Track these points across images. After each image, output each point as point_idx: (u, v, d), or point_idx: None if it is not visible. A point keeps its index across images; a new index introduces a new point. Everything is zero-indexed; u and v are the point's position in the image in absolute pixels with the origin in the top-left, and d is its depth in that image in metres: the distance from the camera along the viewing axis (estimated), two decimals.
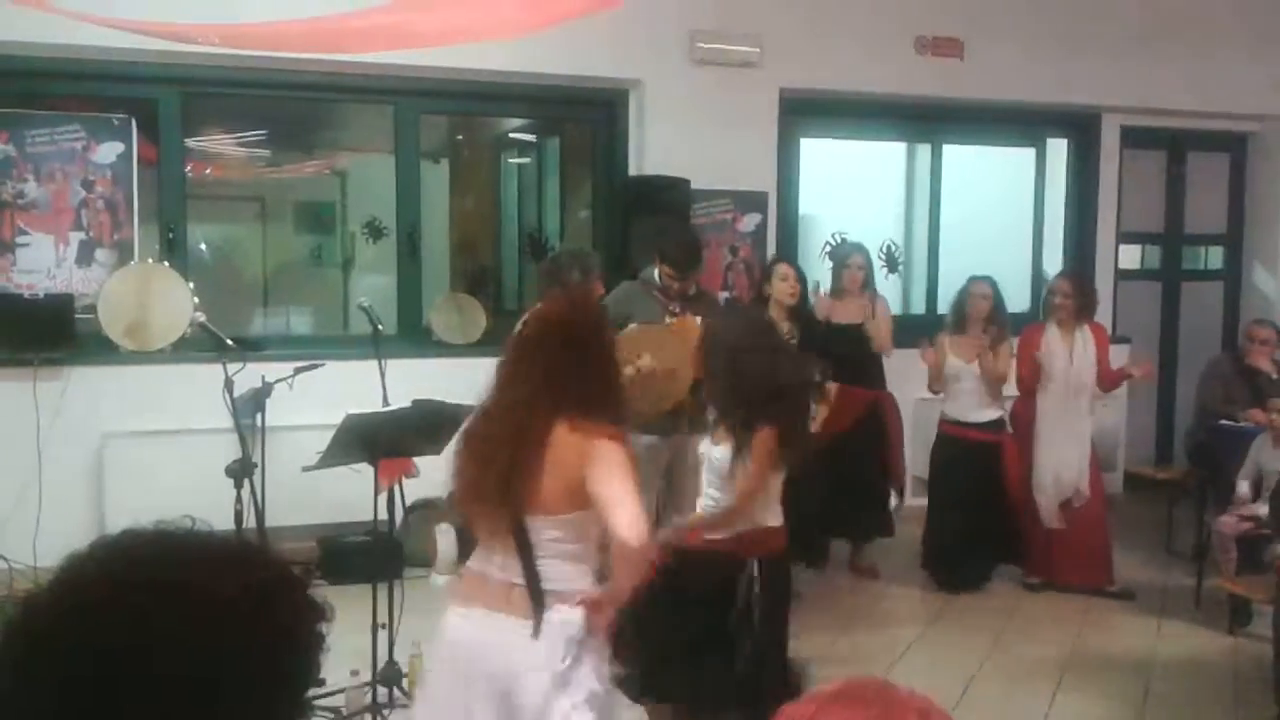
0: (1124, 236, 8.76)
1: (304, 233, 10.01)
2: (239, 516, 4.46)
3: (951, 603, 6.13)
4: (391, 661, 4.44)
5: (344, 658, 4.22)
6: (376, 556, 4.62)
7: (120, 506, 5.87)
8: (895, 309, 7.89)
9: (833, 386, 6.09)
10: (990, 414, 6.31)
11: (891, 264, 8.30)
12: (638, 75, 7.15)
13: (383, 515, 4.44)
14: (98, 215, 6.44)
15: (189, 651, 1.00)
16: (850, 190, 8.30)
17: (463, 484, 2.94)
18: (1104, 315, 7.24)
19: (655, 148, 7.13)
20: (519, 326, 3.11)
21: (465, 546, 6.39)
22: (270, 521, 4.91)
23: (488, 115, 8.57)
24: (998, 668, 5.24)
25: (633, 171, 7.25)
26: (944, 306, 7.29)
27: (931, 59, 7.73)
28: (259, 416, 5.41)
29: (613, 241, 7.06)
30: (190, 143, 7.34)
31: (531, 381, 2.86)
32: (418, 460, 4.54)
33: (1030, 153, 8.62)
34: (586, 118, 7.61)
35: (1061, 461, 6.21)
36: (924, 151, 8.38)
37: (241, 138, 9.13)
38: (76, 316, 6.23)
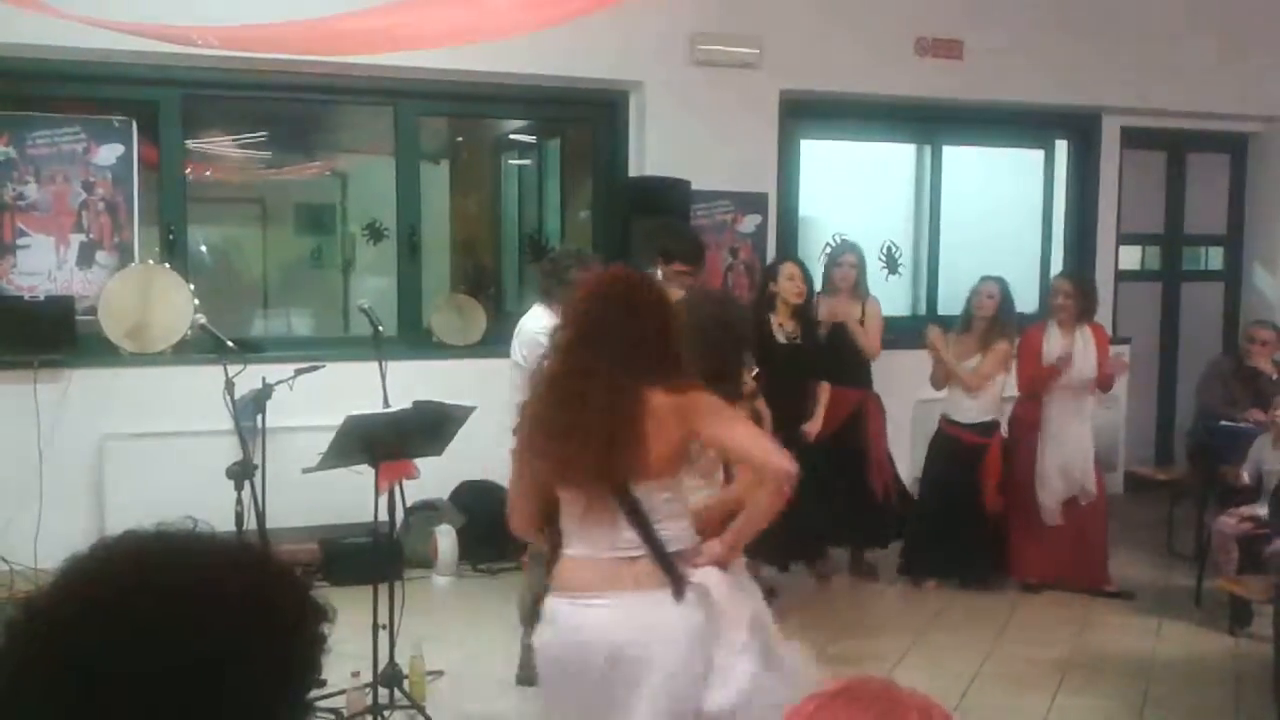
0: (1124, 237, 8.77)
1: (304, 234, 10.02)
2: (240, 518, 4.46)
3: (951, 604, 6.13)
4: (392, 663, 4.44)
5: (345, 659, 4.22)
6: (377, 558, 4.62)
7: (121, 508, 5.87)
8: (898, 310, 7.91)
9: (825, 387, 6.12)
10: (982, 416, 6.31)
11: (892, 265, 8.30)
12: (638, 76, 7.15)
13: (383, 517, 4.44)
14: (98, 217, 6.44)
15: (190, 653, 1.01)
16: (850, 192, 8.30)
17: (553, 464, 2.83)
18: (1104, 316, 7.24)
19: (655, 149, 7.13)
20: (574, 303, 3.02)
21: (469, 549, 6.43)
22: (271, 523, 4.91)
23: (488, 117, 8.57)
24: (998, 669, 5.24)
25: (633, 173, 7.25)
26: (944, 308, 7.31)
27: (932, 60, 7.73)
28: (259, 418, 5.40)
29: (613, 243, 7.05)
30: (190, 144, 7.35)
31: (608, 352, 2.79)
32: (418, 462, 4.53)
33: (1039, 155, 8.62)
34: (587, 119, 7.62)
35: (1068, 460, 6.22)
36: (924, 153, 8.38)
37: (242, 139, 9.13)
38: (77, 318, 6.24)
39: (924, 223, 8.37)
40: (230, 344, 4.96)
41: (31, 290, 6.29)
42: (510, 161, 9.59)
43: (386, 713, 4.38)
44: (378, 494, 4.38)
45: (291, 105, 7.69)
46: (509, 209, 9.46)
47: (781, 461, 2.78)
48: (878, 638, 5.68)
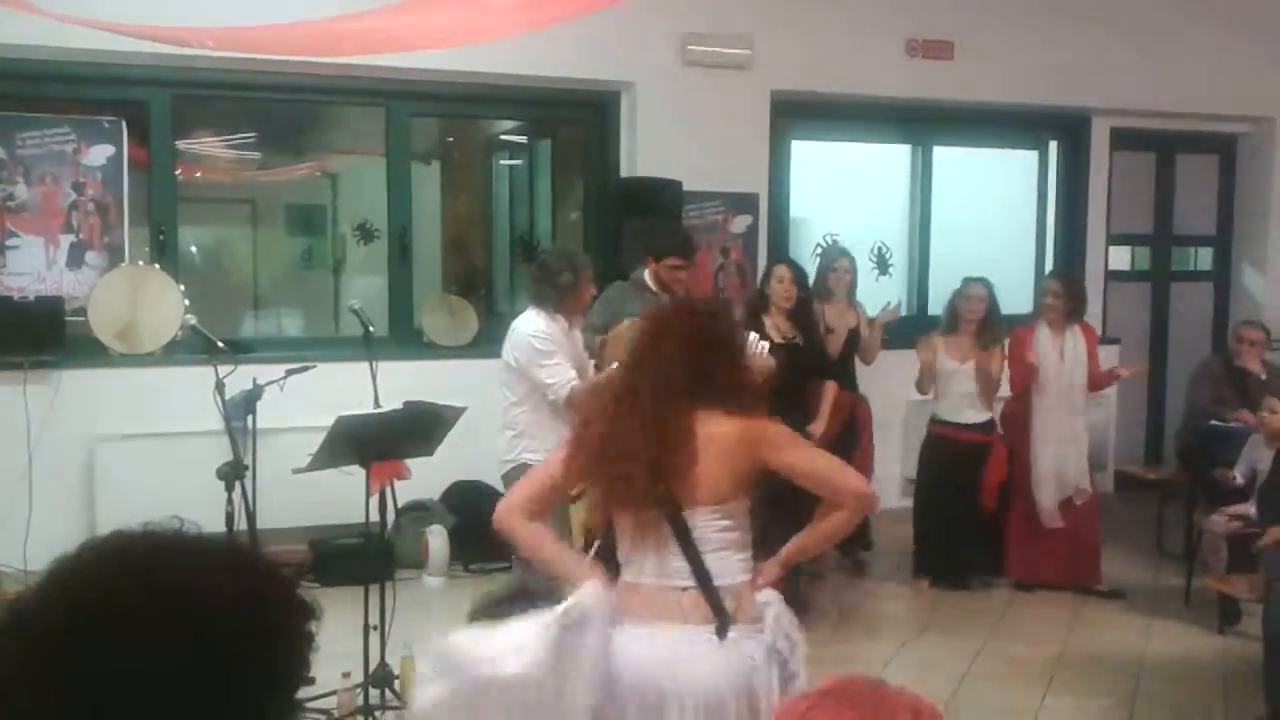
0: (1114, 238, 8.80)
1: (295, 235, 10.01)
2: (230, 519, 4.45)
3: (942, 603, 6.14)
4: (383, 663, 4.44)
5: (336, 660, 4.21)
6: (368, 559, 4.61)
7: (111, 510, 5.85)
8: None
9: (831, 386, 6.10)
10: (980, 415, 6.33)
11: (882, 266, 8.32)
12: (629, 77, 7.16)
13: (374, 517, 4.44)
14: (88, 218, 6.43)
15: (178, 653, 1.00)
16: (841, 193, 8.32)
17: (604, 485, 2.80)
18: (1094, 316, 7.26)
19: (647, 149, 7.14)
20: (637, 331, 2.99)
21: (460, 549, 6.42)
22: (262, 524, 4.90)
23: (479, 117, 8.57)
24: (988, 667, 5.26)
25: (624, 173, 7.26)
26: (935, 308, 7.32)
27: (922, 61, 7.75)
28: (250, 419, 5.40)
29: (604, 243, 7.06)
30: (181, 145, 7.34)
31: (662, 376, 2.77)
32: (409, 462, 4.53)
33: (1028, 155, 8.65)
34: (578, 120, 7.62)
35: (1061, 459, 6.24)
36: (915, 154, 8.40)
37: (232, 140, 9.12)
38: (67, 319, 6.22)
39: (915, 223, 8.39)
40: (221, 344, 4.95)
41: (21, 291, 6.27)
42: (501, 162, 9.58)
43: (377, 713, 4.38)
44: (369, 495, 4.38)
45: (282, 106, 7.68)
46: (500, 210, 9.45)
47: (860, 484, 2.84)
48: (869, 637, 5.69)
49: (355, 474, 4.33)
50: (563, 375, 4.60)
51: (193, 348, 5.69)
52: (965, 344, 6.31)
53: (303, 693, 1.14)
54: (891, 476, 7.41)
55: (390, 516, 4.64)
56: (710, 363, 2.81)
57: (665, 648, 2.68)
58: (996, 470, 6.25)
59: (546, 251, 5.41)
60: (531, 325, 4.73)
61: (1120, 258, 9.00)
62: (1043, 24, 7.91)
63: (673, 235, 5.72)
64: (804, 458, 2.84)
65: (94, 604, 1.02)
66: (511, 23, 5.49)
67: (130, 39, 5.50)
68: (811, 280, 6.58)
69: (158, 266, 6.40)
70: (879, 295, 7.27)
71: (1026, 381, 6.26)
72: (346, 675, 4.32)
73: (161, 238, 6.63)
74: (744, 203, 7.46)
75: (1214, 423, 6.70)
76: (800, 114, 7.77)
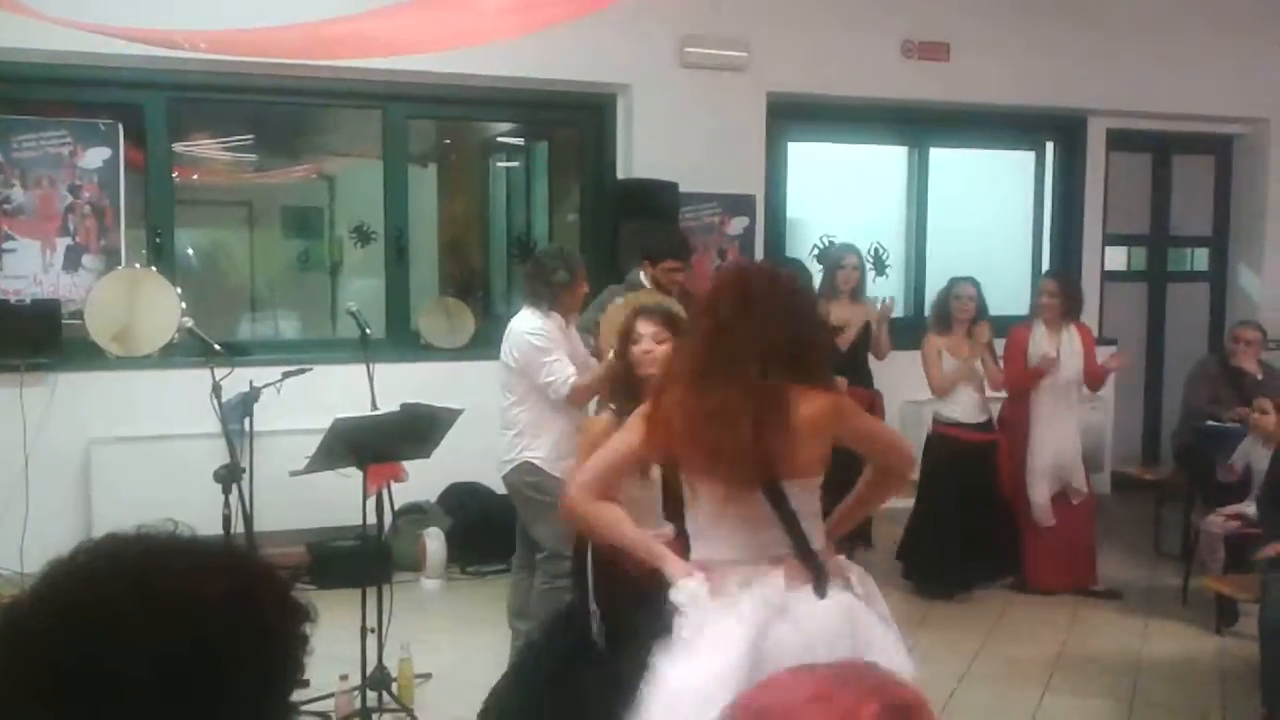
0: (1110, 238, 8.81)
1: (292, 237, 10.01)
2: (227, 521, 4.45)
3: (939, 603, 6.14)
4: (380, 666, 4.43)
5: (333, 662, 4.21)
6: (365, 561, 4.61)
7: (107, 512, 5.84)
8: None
9: (842, 382, 6.08)
10: (983, 414, 6.34)
11: (879, 267, 8.33)
12: (626, 79, 7.16)
13: (371, 520, 4.43)
14: (84, 220, 6.42)
15: (172, 654, 1.01)
16: (838, 194, 8.33)
17: (701, 453, 2.72)
18: (1090, 316, 7.27)
19: (643, 151, 7.14)
20: (712, 294, 2.93)
21: (457, 552, 6.42)
22: (259, 526, 4.91)
23: (476, 120, 8.57)
24: (985, 668, 5.26)
25: (621, 175, 7.26)
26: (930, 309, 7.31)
27: (918, 62, 7.76)
28: (247, 421, 5.40)
29: (601, 245, 7.06)
30: (177, 147, 7.34)
31: (762, 341, 2.73)
32: (406, 464, 4.53)
33: (1024, 156, 8.66)
34: (575, 121, 7.62)
35: (1057, 458, 6.25)
36: (911, 155, 8.41)
37: (229, 142, 9.12)
38: (63, 322, 6.22)
39: (911, 224, 8.40)
40: (217, 347, 4.95)
41: (17, 294, 6.26)
42: (498, 164, 9.59)
43: (375, 716, 4.38)
44: (366, 497, 4.37)
45: (279, 108, 7.68)
46: (497, 212, 9.46)
47: (908, 444, 3.09)
48: None
49: (352, 476, 4.33)
50: (562, 372, 4.60)
51: (189, 350, 5.68)
52: (960, 342, 6.33)
53: (299, 695, 1.14)
54: None
55: (387, 519, 4.64)
56: (807, 332, 2.84)
57: (776, 604, 2.66)
58: (1008, 467, 6.26)
59: (541, 250, 5.40)
60: (528, 324, 4.73)
61: (1116, 258, 9.01)
62: (1038, 25, 7.92)
63: (669, 237, 5.73)
64: (869, 421, 3.05)
65: (88, 606, 1.02)
66: (504, 26, 5.49)
67: (125, 42, 5.50)
68: (819, 279, 6.59)
69: (154, 269, 6.40)
70: (875, 296, 7.27)
71: (1024, 382, 6.27)
72: (344, 678, 4.32)
73: (158, 240, 6.63)
74: (741, 204, 7.47)
75: (1211, 423, 6.70)
76: (797, 115, 7.78)
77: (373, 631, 4.40)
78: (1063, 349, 6.28)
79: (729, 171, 7.31)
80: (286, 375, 5.28)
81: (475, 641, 5.27)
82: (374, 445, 4.26)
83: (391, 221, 7.16)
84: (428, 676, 4.82)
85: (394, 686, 4.47)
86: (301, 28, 5.53)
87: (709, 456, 2.72)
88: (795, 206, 8.06)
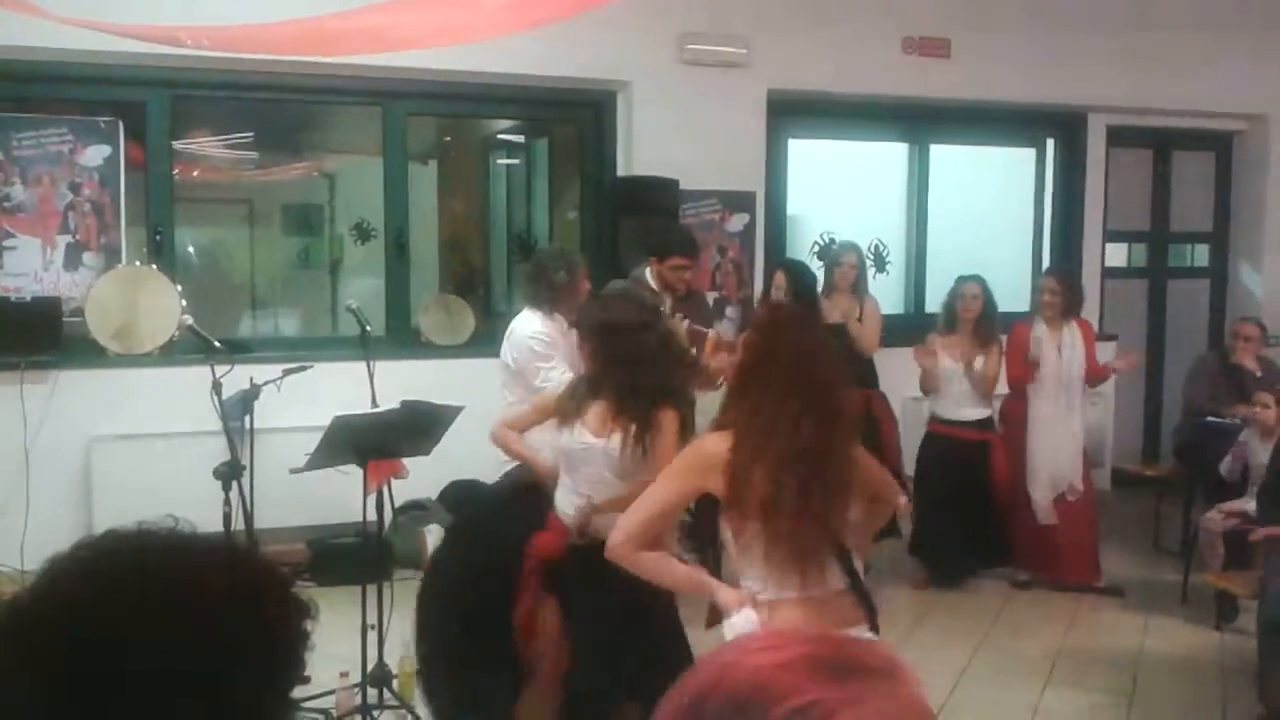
0: (1110, 235, 8.81)
1: (292, 235, 10.00)
2: (227, 519, 4.45)
3: (940, 599, 6.15)
4: (381, 663, 4.44)
5: (333, 659, 4.22)
6: (366, 558, 4.61)
7: (108, 510, 5.85)
8: (887, 308, 7.90)
9: None
10: (980, 413, 6.34)
11: (880, 264, 8.32)
12: (626, 76, 7.16)
13: (372, 517, 4.44)
14: (85, 218, 6.42)
15: (172, 650, 1.01)
16: (838, 191, 8.32)
17: (791, 506, 2.74)
18: (1090, 313, 7.27)
19: (643, 148, 7.13)
20: (761, 339, 3.00)
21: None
22: (259, 523, 4.91)
23: (476, 117, 8.56)
24: (986, 664, 5.27)
25: (621, 172, 7.26)
26: (932, 306, 7.32)
27: (918, 59, 7.75)
28: (247, 419, 5.41)
29: (601, 242, 7.06)
30: (178, 145, 7.33)
31: (831, 396, 2.86)
32: (406, 461, 4.53)
33: (1025, 153, 8.66)
34: (575, 119, 7.62)
35: (1056, 455, 6.25)
36: (912, 152, 8.40)
37: (229, 140, 9.11)
38: (64, 320, 6.21)
39: (912, 221, 8.40)
40: (217, 345, 4.95)
41: (18, 291, 6.26)
42: (498, 161, 9.58)
43: (375, 713, 4.38)
44: (366, 494, 4.38)
45: (279, 105, 7.67)
46: (497, 209, 9.45)
47: (894, 481, 3.22)
48: None
49: (352, 473, 4.33)
50: (556, 380, 4.59)
51: (190, 348, 5.69)
52: (964, 343, 6.32)
53: (299, 692, 1.14)
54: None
55: (388, 516, 4.64)
56: (844, 383, 2.96)
57: None
58: (1002, 467, 6.26)
59: (541, 251, 5.41)
60: (530, 327, 4.73)
61: (1117, 255, 9.01)
62: (1039, 22, 7.91)
63: (675, 235, 5.71)
64: (872, 460, 3.10)
65: (89, 603, 1.02)
66: (503, 22, 5.48)
67: (125, 39, 5.49)
68: (821, 278, 6.57)
69: (154, 267, 6.40)
70: (875, 293, 7.26)
71: (1024, 379, 6.28)
72: (344, 675, 4.32)
73: (158, 238, 6.62)
74: (741, 201, 7.46)
75: (1211, 419, 6.70)
76: (797, 112, 7.77)
77: (373, 628, 4.40)
78: (1064, 346, 6.29)
79: (729, 168, 7.31)
80: (287, 372, 5.28)
81: None
82: (374, 442, 4.26)
83: (392, 219, 7.16)
84: None
85: (395, 683, 4.47)
86: (299, 23, 5.53)
87: (801, 510, 2.75)
88: (795, 203, 8.06)
